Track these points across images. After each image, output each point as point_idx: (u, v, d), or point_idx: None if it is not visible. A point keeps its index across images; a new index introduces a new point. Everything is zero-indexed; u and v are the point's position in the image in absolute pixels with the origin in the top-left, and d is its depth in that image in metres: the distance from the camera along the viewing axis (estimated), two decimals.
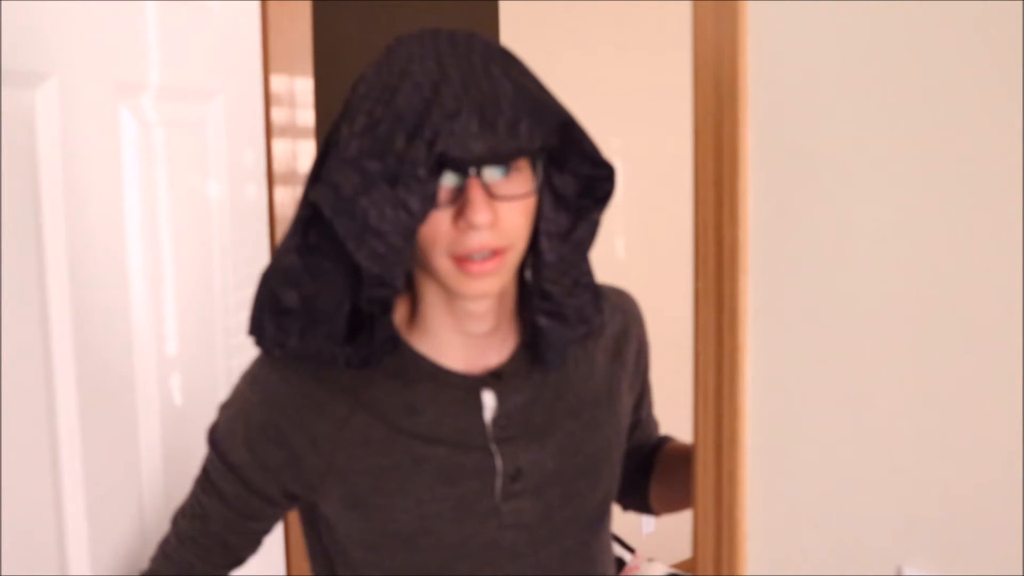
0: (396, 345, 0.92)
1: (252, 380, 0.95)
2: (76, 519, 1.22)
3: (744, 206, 0.75)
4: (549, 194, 0.89)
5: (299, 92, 1.62)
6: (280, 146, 1.57)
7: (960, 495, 0.70)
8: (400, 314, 0.95)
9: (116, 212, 1.27)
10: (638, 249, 3.20)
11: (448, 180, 0.82)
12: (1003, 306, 0.66)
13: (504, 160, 0.81)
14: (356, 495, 0.92)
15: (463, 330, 0.93)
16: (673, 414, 1.39)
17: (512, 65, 0.85)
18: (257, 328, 0.91)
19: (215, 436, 0.97)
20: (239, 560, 1.02)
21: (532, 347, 0.95)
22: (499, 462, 0.93)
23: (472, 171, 0.81)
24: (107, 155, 1.25)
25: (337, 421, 0.92)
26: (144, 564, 1.08)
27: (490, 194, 0.82)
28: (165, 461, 1.36)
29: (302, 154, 1.63)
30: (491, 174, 0.83)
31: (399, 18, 3.29)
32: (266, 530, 1.01)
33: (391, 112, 0.80)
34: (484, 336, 0.94)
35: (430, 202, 0.81)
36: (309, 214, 0.87)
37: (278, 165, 1.57)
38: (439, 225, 0.82)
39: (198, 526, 0.99)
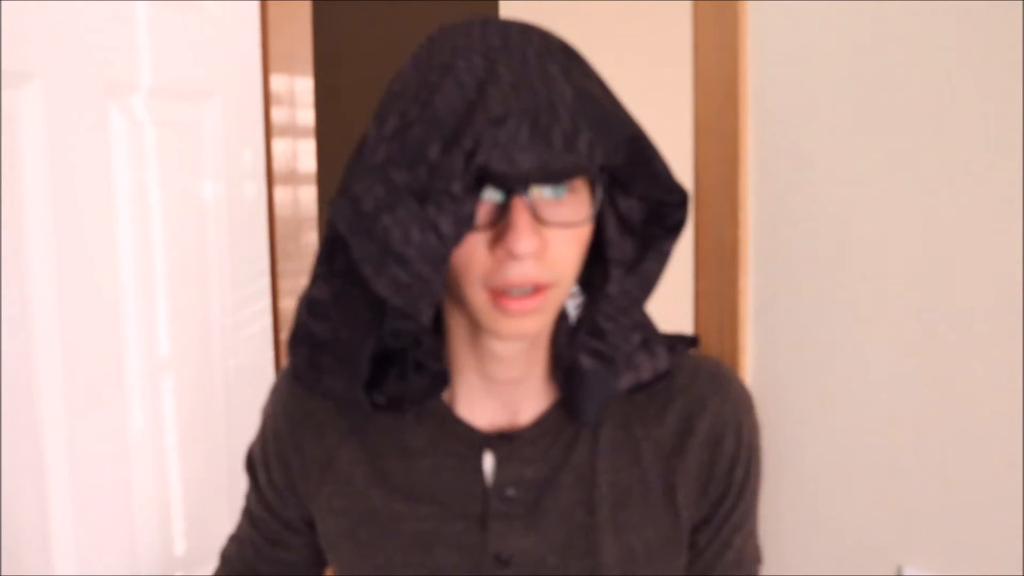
0: (441, 385, 0.78)
1: (271, 392, 0.87)
2: (63, 521, 1.22)
3: (744, 206, 0.75)
4: (614, 219, 0.76)
5: (299, 92, 1.62)
6: (280, 146, 1.58)
7: (960, 495, 0.70)
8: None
9: (106, 212, 1.26)
10: None
11: (489, 196, 0.68)
12: (1003, 306, 0.66)
13: (557, 179, 0.66)
14: (330, 536, 0.83)
15: (485, 373, 0.79)
16: None
17: (575, 65, 0.71)
18: (294, 367, 0.80)
19: (248, 453, 0.91)
20: None
21: (566, 398, 0.79)
22: (491, 540, 0.78)
23: (519, 189, 0.66)
24: (96, 155, 1.25)
25: (328, 449, 0.82)
26: (132, 566, 1.07)
27: (538, 218, 0.67)
28: (156, 462, 1.37)
29: (302, 154, 1.63)
30: (541, 194, 0.68)
31: (399, 18, 3.29)
32: (295, 563, 0.91)
33: (427, 114, 0.67)
34: (509, 386, 0.80)
35: (465, 224, 0.66)
36: (334, 235, 0.74)
37: (278, 165, 1.57)
38: (475, 250, 0.68)
39: (234, 548, 0.93)
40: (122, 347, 1.30)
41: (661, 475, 0.80)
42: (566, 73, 0.69)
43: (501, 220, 0.67)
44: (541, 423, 0.79)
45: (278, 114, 1.57)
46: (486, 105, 0.65)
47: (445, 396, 0.80)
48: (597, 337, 0.77)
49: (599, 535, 0.79)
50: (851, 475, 0.73)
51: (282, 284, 1.59)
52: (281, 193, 1.58)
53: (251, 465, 0.89)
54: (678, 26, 3.32)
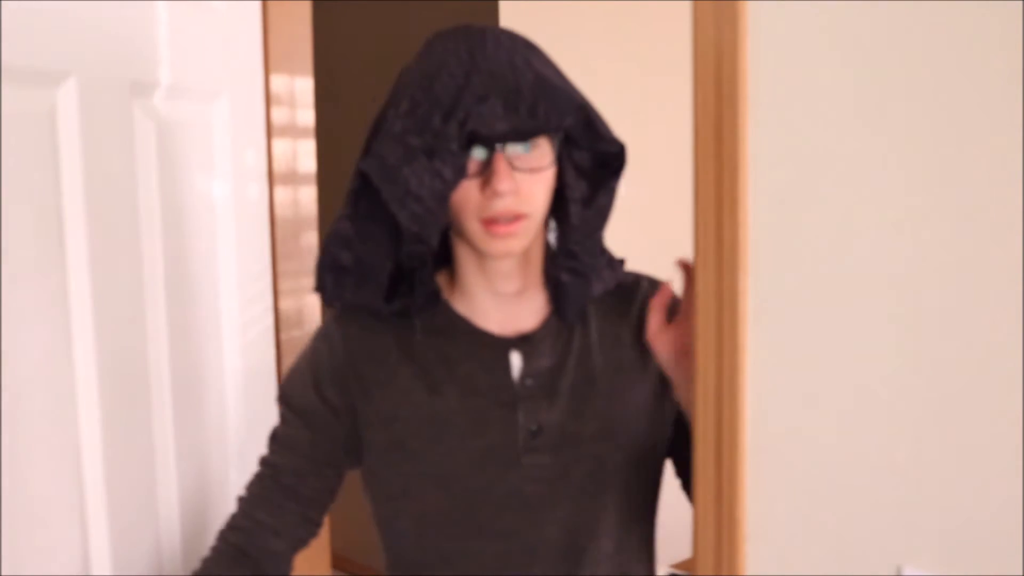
0: (435, 299, 1.04)
1: (321, 334, 1.09)
2: (97, 519, 1.22)
3: (744, 206, 0.75)
4: (571, 167, 1.02)
5: (299, 92, 1.62)
6: (280, 146, 1.57)
7: (960, 495, 0.70)
8: (444, 279, 1.09)
9: (131, 211, 1.27)
10: (638, 249, 3.19)
11: (477, 154, 0.96)
12: (1004, 306, 0.66)
13: (524, 137, 0.95)
14: (397, 439, 1.04)
15: (494, 290, 1.06)
16: None
17: (534, 57, 0.99)
18: (320, 284, 1.05)
19: (284, 391, 1.10)
20: (309, 520, 1.09)
21: (555, 305, 1.06)
22: (521, 418, 1.03)
23: (498, 147, 0.95)
24: (123, 154, 1.25)
25: (386, 372, 1.05)
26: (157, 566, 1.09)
27: (513, 166, 0.95)
28: (178, 455, 1.37)
29: (302, 154, 1.63)
30: (514, 149, 0.96)
31: (399, 18, 3.29)
32: (333, 483, 1.10)
33: (430, 97, 0.94)
34: (514, 298, 1.07)
35: (461, 172, 0.94)
36: (359, 185, 1.01)
37: (278, 165, 1.57)
38: (469, 192, 0.96)
39: (268, 484, 1.08)
40: (147, 343, 1.30)
41: (636, 350, 1.10)
42: (528, 63, 0.96)
43: (487, 170, 0.95)
44: (546, 325, 1.06)
45: (278, 114, 1.57)
46: (472, 89, 0.93)
47: (468, 316, 1.06)
48: (571, 258, 1.04)
49: (602, 401, 1.06)
50: (850, 475, 0.73)
51: (282, 284, 1.59)
52: (281, 193, 1.58)
53: (291, 401, 1.08)
54: (678, 26, 3.32)
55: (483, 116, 0.92)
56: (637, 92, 3.18)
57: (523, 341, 1.05)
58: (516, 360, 1.05)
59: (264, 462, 1.11)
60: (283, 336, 1.58)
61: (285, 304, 1.58)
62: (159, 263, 1.32)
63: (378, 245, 1.02)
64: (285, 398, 1.10)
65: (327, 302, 1.06)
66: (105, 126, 1.21)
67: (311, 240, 1.65)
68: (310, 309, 1.66)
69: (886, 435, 0.72)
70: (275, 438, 1.11)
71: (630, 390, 1.09)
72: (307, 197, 1.64)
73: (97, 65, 1.20)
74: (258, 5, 1.51)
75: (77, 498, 1.21)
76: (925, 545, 0.71)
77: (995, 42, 0.65)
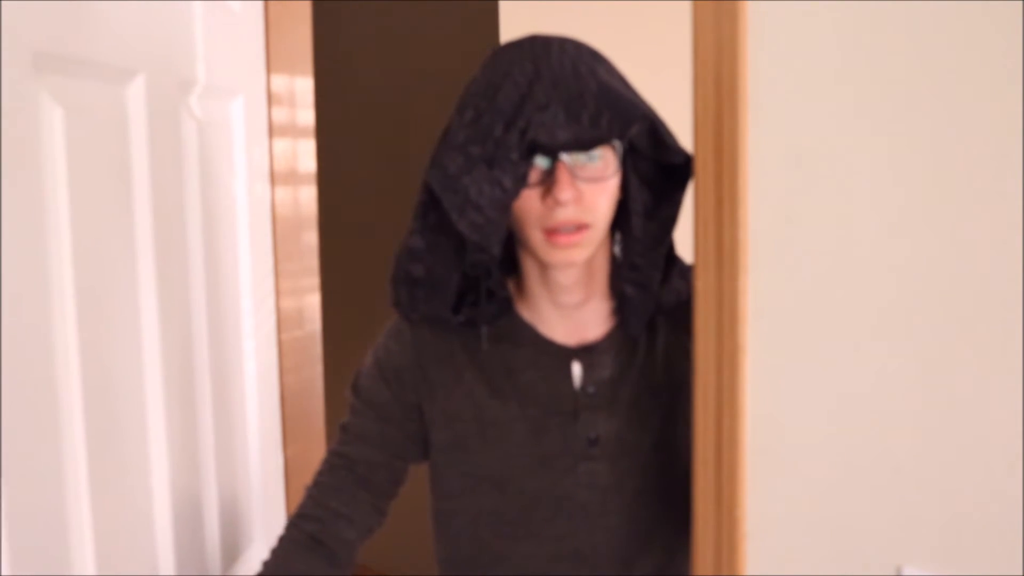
0: (507, 307, 1.07)
1: (392, 334, 1.12)
2: (163, 516, 1.22)
3: (744, 206, 0.75)
4: (635, 178, 1.01)
5: (299, 92, 1.62)
6: (280, 145, 1.58)
7: (960, 495, 0.70)
8: (512, 287, 1.10)
9: (180, 209, 1.27)
10: None
11: (540, 163, 0.96)
12: (1003, 306, 0.66)
13: (586, 146, 0.94)
14: (458, 440, 1.07)
15: (557, 301, 1.06)
16: None
17: (600, 66, 0.99)
18: (396, 299, 1.08)
19: (358, 384, 1.14)
20: (379, 509, 1.14)
21: (620, 317, 1.06)
22: (580, 426, 1.04)
23: (561, 156, 0.94)
24: (174, 151, 1.25)
25: (452, 374, 1.07)
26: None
27: (575, 176, 0.95)
28: (216, 456, 1.36)
29: (302, 154, 1.63)
30: (577, 159, 0.95)
31: (399, 18, 3.29)
32: (401, 475, 1.14)
33: (493, 107, 0.95)
34: (577, 309, 1.07)
35: (521, 181, 0.94)
36: (426, 198, 1.02)
37: (278, 165, 1.57)
38: (531, 202, 0.96)
39: (342, 475, 1.11)
40: (192, 343, 1.30)
41: None
42: (592, 72, 0.95)
43: (549, 179, 0.95)
44: (610, 337, 1.07)
45: (278, 114, 1.58)
46: (534, 98, 0.93)
47: (534, 324, 1.07)
48: (634, 270, 1.03)
49: (661, 414, 1.05)
50: (850, 475, 0.73)
51: (283, 284, 1.59)
52: (281, 193, 1.58)
53: (364, 395, 1.12)
54: (678, 26, 3.32)
55: (544, 125, 0.92)
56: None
57: (585, 351, 1.06)
58: (577, 370, 1.06)
59: (336, 453, 1.13)
60: (284, 336, 1.59)
61: (285, 304, 1.58)
62: (200, 262, 1.32)
63: (446, 256, 1.03)
64: (358, 390, 1.13)
65: (404, 315, 1.09)
66: (163, 124, 1.21)
67: (311, 240, 1.65)
68: (310, 310, 1.66)
69: (886, 435, 0.72)
70: (346, 429, 1.14)
71: (691, 405, 1.09)
72: (307, 197, 1.64)
73: (158, 63, 1.20)
74: (261, 5, 1.51)
75: (146, 494, 1.20)
76: (925, 545, 0.71)
77: (995, 42, 0.65)
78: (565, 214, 0.95)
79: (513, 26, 2.85)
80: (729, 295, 0.77)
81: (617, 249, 1.06)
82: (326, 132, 1.95)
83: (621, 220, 1.03)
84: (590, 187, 0.96)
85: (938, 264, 0.69)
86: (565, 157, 0.94)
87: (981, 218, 0.67)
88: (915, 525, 0.71)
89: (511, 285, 1.10)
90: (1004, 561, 0.68)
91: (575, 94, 0.94)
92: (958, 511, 0.70)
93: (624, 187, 1.01)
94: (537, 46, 0.98)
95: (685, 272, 1.07)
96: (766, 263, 0.76)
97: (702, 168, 0.78)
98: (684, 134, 1.08)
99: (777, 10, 0.73)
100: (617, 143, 0.97)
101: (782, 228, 0.75)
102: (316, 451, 1.66)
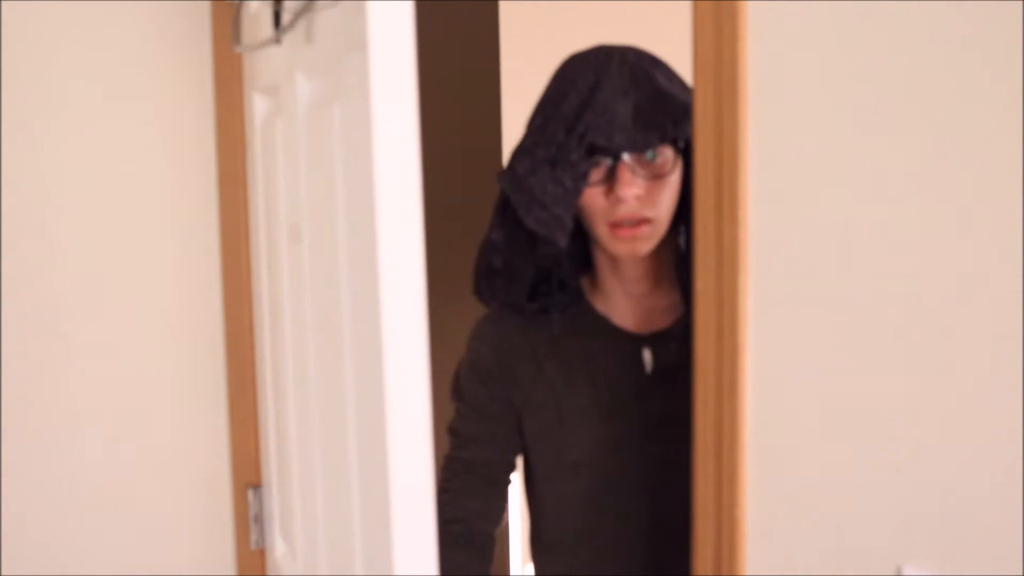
0: (578, 298, 1.17)
1: (478, 335, 1.22)
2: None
3: (744, 206, 0.75)
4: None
5: None
6: None
7: (960, 495, 0.70)
8: (587, 281, 1.19)
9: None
10: None
11: (605, 162, 1.04)
12: (1003, 306, 0.66)
13: (641, 148, 1.03)
14: (541, 428, 1.17)
15: (628, 291, 1.15)
16: None
17: (659, 72, 1.07)
18: (478, 288, 1.18)
19: (459, 388, 1.23)
20: (505, 501, 1.24)
21: (687, 305, 1.11)
22: (651, 409, 1.13)
23: (623, 155, 1.03)
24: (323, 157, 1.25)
25: (534, 367, 1.16)
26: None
27: (636, 173, 1.03)
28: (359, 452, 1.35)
29: None
30: (638, 158, 1.04)
31: None
32: (513, 468, 1.23)
33: (557, 113, 1.05)
34: (647, 298, 1.16)
35: (581, 180, 1.04)
36: (505, 197, 1.13)
37: None
38: (597, 199, 1.05)
39: (467, 478, 1.20)
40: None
41: None
42: (649, 78, 1.05)
43: (612, 177, 1.04)
44: (679, 323, 1.14)
45: None
46: (594, 104, 1.03)
47: (607, 315, 1.16)
48: None
49: None
50: (851, 475, 0.73)
51: None
52: None
53: (464, 397, 1.21)
54: (678, 26, 3.31)
55: (601, 129, 1.02)
56: None
57: (656, 338, 1.15)
58: (648, 356, 1.14)
59: (454, 459, 1.22)
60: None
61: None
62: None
63: (522, 249, 1.13)
64: (459, 394, 1.23)
65: (484, 302, 1.19)
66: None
67: None
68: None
69: (886, 435, 0.72)
70: (456, 433, 1.23)
71: None
72: None
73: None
74: None
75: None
76: (925, 545, 0.71)
77: (995, 43, 0.65)
78: (627, 209, 1.04)
79: (514, 26, 2.85)
80: (729, 295, 0.77)
81: (682, 241, 1.13)
82: None
83: (685, 213, 1.08)
84: (651, 184, 1.04)
85: (937, 263, 0.69)
86: (626, 157, 1.03)
87: (980, 217, 0.67)
88: (915, 525, 0.71)
89: (585, 281, 1.19)
90: (1004, 561, 0.68)
91: (632, 100, 1.03)
92: (958, 511, 0.70)
93: (686, 181, 1.06)
94: (600, 56, 1.07)
95: None
96: (766, 263, 0.76)
97: (702, 168, 0.78)
98: None
99: (777, 10, 0.73)
100: (676, 141, 1.05)
101: (782, 228, 0.75)
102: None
